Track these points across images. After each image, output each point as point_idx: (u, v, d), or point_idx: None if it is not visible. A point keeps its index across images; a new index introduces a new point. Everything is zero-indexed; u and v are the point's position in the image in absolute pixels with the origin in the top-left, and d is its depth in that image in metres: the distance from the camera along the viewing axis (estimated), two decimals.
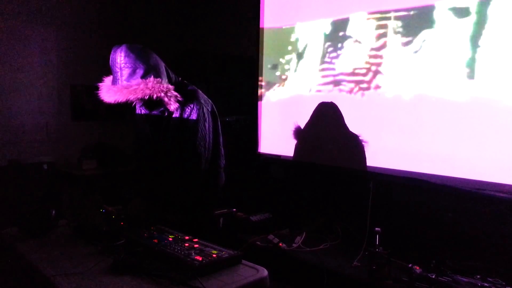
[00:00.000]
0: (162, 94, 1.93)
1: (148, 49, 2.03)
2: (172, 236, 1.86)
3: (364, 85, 3.13)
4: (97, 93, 2.01)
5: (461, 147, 2.63)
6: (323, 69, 3.41)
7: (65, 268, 1.60)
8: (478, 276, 2.31)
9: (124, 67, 1.92)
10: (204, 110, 2.14)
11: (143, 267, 1.58)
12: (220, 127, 2.30)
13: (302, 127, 3.50)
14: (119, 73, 1.93)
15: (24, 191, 3.94)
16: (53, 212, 2.05)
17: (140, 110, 2.27)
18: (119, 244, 1.78)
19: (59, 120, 4.49)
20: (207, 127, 2.15)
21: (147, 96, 1.91)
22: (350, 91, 3.22)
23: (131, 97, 1.90)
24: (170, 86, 1.98)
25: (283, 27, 3.71)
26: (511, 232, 2.49)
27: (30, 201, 3.86)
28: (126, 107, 1.97)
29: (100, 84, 2.04)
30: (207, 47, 5.03)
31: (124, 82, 1.92)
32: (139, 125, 2.34)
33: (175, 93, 1.98)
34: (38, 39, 4.30)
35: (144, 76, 1.92)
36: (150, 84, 1.91)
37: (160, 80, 1.94)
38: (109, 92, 1.95)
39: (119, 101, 1.92)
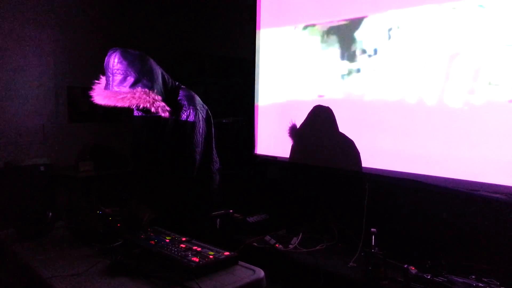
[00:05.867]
0: (148, 105, 1.96)
1: (144, 55, 2.04)
2: (169, 238, 1.86)
3: (361, 88, 3.14)
4: (90, 93, 2.03)
5: (456, 148, 2.65)
6: (320, 72, 3.42)
7: (62, 270, 1.60)
8: (473, 276, 2.32)
9: (116, 73, 1.94)
10: (200, 117, 2.15)
11: (140, 268, 1.58)
12: (213, 133, 2.32)
13: (297, 126, 3.52)
14: (111, 78, 1.96)
15: (20, 193, 3.93)
16: (50, 214, 2.05)
17: (137, 112, 2.28)
18: (116, 245, 1.79)
19: (56, 122, 4.49)
20: (201, 133, 2.17)
21: (134, 106, 1.95)
22: (346, 94, 3.23)
23: (119, 104, 1.93)
24: (157, 97, 1.98)
25: (280, 29, 3.73)
26: (505, 233, 2.51)
27: (27, 203, 3.85)
28: (122, 109, 1.98)
29: (95, 82, 2.06)
30: (204, 49, 5.04)
31: (115, 88, 1.95)
32: (136, 127, 2.35)
33: (162, 104, 2.00)
34: (35, 41, 4.30)
35: (133, 85, 1.94)
36: (137, 94, 1.93)
37: (148, 91, 1.96)
38: (100, 95, 1.99)
39: (109, 105, 1.95)
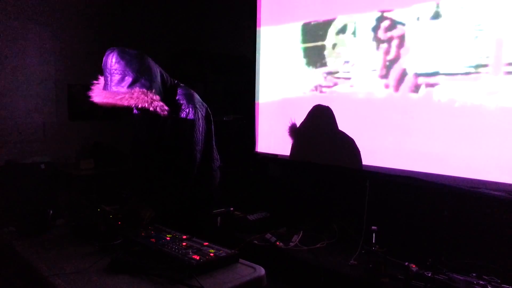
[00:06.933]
0: (146, 105, 1.96)
1: (142, 54, 2.04)
2: (169, 235, 1.87)
3: (361, 85, 3.14)
4: (89, 93, 2.03)
5: (457, 146, 2.65)
6: (320, 69, 3.41)
7: (62, 268, 1.60)
8: (474, 274, 2.32)
9: (114, 73, 1.95)
10: (199, 115, 2.16)
11: (140, 266, 1.58)
12: (213, 130, 2.31)
13: (297, 125, 3.52)
14: (109, 78, 1.96)
15: (21, 191, 3.94)
16: (51, 211, 2.05)
17: (136, 111, 2.28)
18: (117, 243, 1.79)
19: (56, 120, 4.49)
20: (200, 131, 2.17)
21: (133, 105, 1.95)
22: (347, 91, 3.23)
23: (118, 103, 1.94)
24: (155, 97, 1.98)
25: (280, 27, 3.72)
26: (506, 230, 2.51)
27: (28, 201, 3.85)
28: (122, 107, 1.98)
29: (94, 83, 2.06)
30: (204, 47, 5.03)
31: (113, 88, 1.95)
32: (136, 126, 2.35)
33: (160, 104, 2.00)
34: (36, 39, 4.30)
35: (131, 85, 1.94)
36: (135, 95, 1.94)
37: (146, 91, 1.96)
38: (99, 95, 2.00)
39: (108, 105, 1.95)
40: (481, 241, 2.57)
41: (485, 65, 2.52)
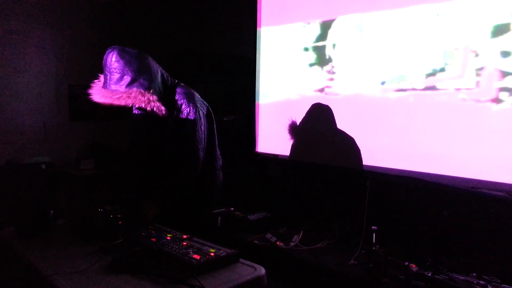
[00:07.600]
0: (143, 105, 1.97)
1: (142, 53, 2.04)
2: (170, 235, 1.87)
3: (361, 85, 3.14)
4: (89, 91, 2.04)
5: (457, 146, 2.65)
6: (320, 70, 3.42)
7: (63, 268, 1.60)
8: (474, 274, 2.32)
9: (113, 71, 1.96)
10: (200, 114, 2.16)
11: (141, 266, 1.59)
12: (215, 129, 2.32)
13: (297, 124, 3.53)
14: (108, 76, 1.97)
15: (22, 191, 3.93)
16: (51, 212, 2.06)
17: (137, 110, 2.28)
18: (117, 243, 1.79)
19: (57, 120, 4.49)
20: (203, 130, 2.17)
21: (130, 105, 1.96)
22: (347, 91, 3.23)
23: (115, 103, 1.95)
24: (152, 97, 1.99)
25: (280, 27, 3.72)
26: (506, 230, 2.51)
27: (28, 201, 3.84)
28: (122, 107, 1.99)
29: (94, 81, 2.07)
30: (204, 48, 5.04)
31: (112, 87, 1.96)
32: (136, 125, 2.36)
33: (157, 104, 2.01)
34: (36, 39, 4.30)
35: (130, 84, 1.95)
36: (132, 94, 1.95)
37: (143, 91, 1.97)
38: (98, 93, 2.01)
39: (106, 104, 1.97)
40: (481, 241, 2.57)
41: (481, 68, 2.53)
